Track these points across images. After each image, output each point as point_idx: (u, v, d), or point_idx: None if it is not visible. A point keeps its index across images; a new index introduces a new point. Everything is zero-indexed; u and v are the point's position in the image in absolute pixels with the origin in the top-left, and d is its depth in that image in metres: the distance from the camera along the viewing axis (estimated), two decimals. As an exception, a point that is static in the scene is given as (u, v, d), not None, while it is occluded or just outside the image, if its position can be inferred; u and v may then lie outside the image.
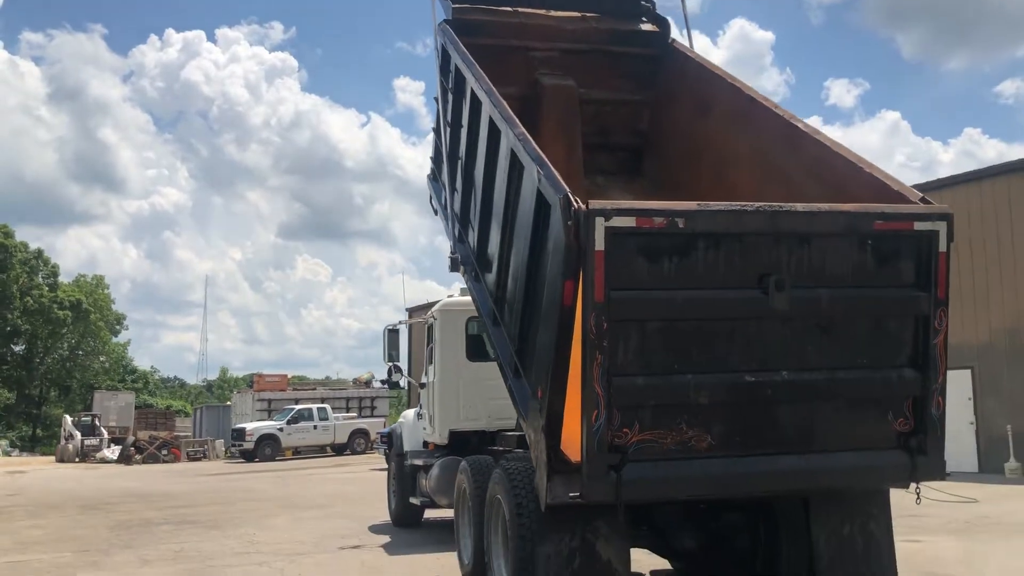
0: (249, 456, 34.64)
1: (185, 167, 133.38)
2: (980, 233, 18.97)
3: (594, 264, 5.05)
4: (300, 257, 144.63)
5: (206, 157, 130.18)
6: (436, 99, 9.32)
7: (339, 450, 36.62)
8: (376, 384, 39.08)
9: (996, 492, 15.38)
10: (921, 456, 5.67)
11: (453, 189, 8.79)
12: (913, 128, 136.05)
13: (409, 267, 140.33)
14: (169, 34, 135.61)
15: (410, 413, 13.32)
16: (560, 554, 5.95)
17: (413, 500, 12.17)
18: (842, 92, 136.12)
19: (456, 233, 8.56)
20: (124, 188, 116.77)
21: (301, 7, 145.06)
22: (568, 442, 5.52)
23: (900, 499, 6.31)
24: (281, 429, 35.72)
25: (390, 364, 12.77)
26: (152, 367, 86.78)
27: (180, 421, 51.85)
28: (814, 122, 7.36)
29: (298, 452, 36.21)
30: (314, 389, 46.57)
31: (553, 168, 5.66)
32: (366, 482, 21.54)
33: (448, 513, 9.93)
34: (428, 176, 10.82)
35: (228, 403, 48.22)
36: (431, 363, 11.46)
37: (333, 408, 38.31)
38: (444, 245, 9.46)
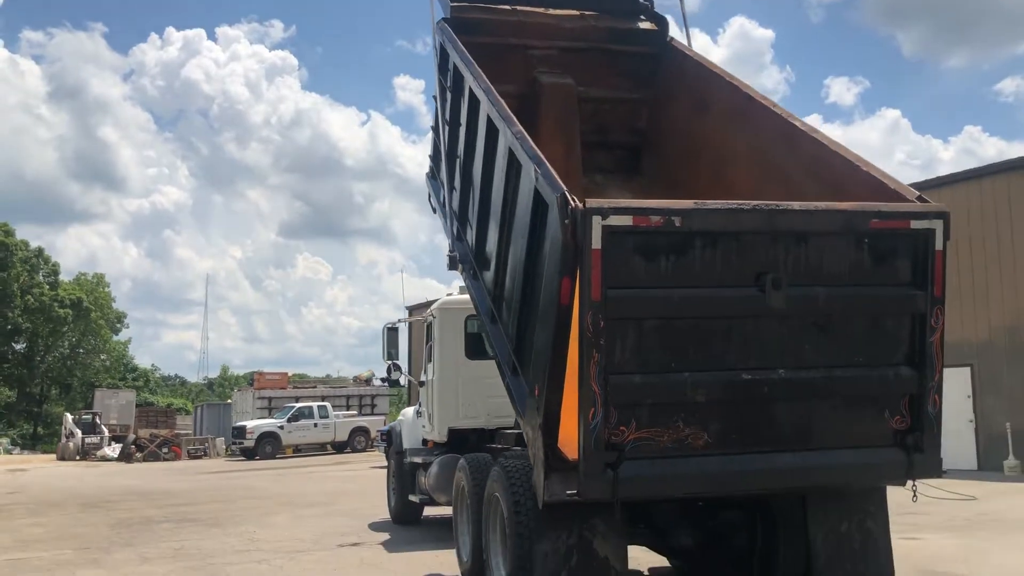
0: (249, 454, 34.70)
1: (185, 165, 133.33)
2: (980, 231, 18.97)
3: (591, 262, 5.05)
4: (300, 255, 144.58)
5: (206, 155, 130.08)
6: (435, 97, 9.32)
7: (339, 448, 36.68)
8: (376, 382, 39.03)
9: (995, 489, 15.39)
10: (917, 453, 5.67)
11: (452, 187, 8.79)
12: (913, 126, 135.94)
13: (409, 265, 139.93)
14: (169, 32, 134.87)
15: (409, 411, 13.35)
16: (558, 551, 5.97)
17: (412, 498, 12.20)
18: (842, 90, 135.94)
19: (455, 231, 8.56)
20: (124, 186, 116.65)
21: (301, 6, 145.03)
22: (565, 440, 5.54)
23: (899, 496, 6.32)
24: (281, 427, 35.82)
25: (390, 362, 12.77)
26: (153, 365, 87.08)
27: (181, 419, 51.87)
28: (814, 120, 7.39)
29: (298, 450, 36.26)
30: (314, 387, 46.73)
31: (550, 167, 5.66)
32: (366, 480, 21.56)
33: (447, 511, 9.94)
34: (427, 174, 10.82)
35: (229, 401, 48.24)
36: (430, 361, 11.47)
37: (333, 406, 38.42)
38: (443, 243, 9.47)
